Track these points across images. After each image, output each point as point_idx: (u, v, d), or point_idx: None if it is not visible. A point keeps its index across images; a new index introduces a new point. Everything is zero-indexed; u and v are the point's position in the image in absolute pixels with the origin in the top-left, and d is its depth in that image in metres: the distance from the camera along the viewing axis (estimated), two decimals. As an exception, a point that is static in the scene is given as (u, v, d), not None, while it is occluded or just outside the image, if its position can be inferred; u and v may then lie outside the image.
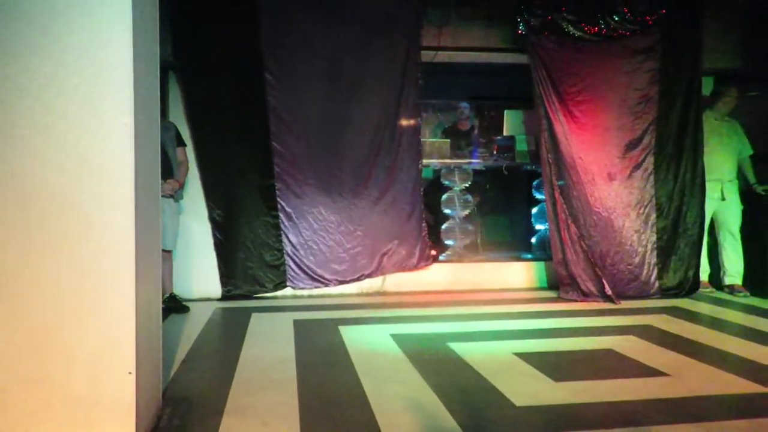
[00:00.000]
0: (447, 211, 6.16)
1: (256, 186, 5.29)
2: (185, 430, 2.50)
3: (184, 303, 4.88)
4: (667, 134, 5.50)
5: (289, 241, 5.34)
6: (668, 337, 4.07)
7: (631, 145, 5.49)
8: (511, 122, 6.43)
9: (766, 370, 3.31)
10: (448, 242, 6.15)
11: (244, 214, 5.30)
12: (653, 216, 5.50)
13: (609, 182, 5.46)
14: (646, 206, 5.49)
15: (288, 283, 5.38)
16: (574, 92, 5.43)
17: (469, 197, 6.21)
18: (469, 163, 6.27)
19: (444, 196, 6.17)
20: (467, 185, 6.18)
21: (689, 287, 5.51)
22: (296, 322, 4.42)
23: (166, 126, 4.77)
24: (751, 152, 5.71)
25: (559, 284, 5.45)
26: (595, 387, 3.04)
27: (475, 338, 3.99)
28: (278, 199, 5.30)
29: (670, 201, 5.51)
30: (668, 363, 3.43)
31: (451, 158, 6.13)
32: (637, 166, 5.49)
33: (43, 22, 2.10)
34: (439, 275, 5.75)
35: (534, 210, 6.40)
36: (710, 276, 5.78)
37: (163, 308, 2.83)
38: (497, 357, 3.56)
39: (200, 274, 5.28)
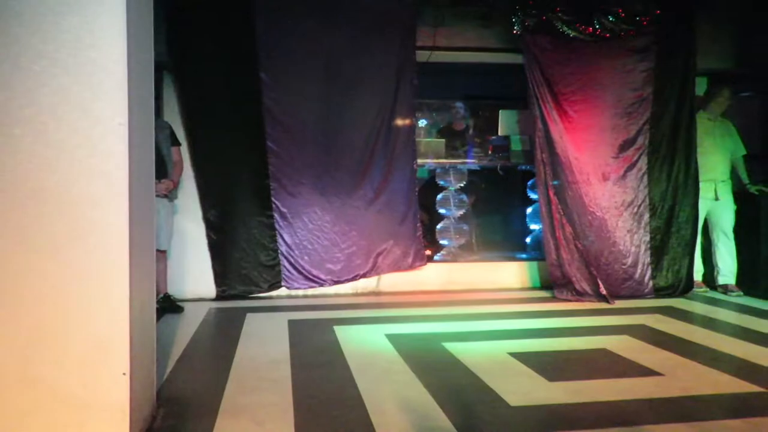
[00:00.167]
0: (442, 210, 6.17)
1: (251, 186, 5.28)
2: (179, 431, 2.50)
3: (178, 303, 4.87)
4: (661, 134, 5.52)
5: (284, 241, 5.33)
6: (662, 336, 4.09)
7: (626, 145, 5.51)
8: (505, 122, 6.43)
9: (759, 370, 3.33)
10: (443, 242, 6.15)
11: (239, 213, 5.28)
12: (646, 216, 5.52)
13: (603, 182, 5.47)
14: (640, 206, 5.51)
15: (283, 283, 5.37)
16: (568, 92, 5.44)
17: (464, 197, 6.22)
18: (464, 163, 6.28)
19: (439, 196, 6.17)
20: (462, 185, 6.19)
21: (683, 287, 5.53)
22: (291, 322, 4.42)
23: (161, 125, 4.75)
24: (744, 152, 5.73)
25: (553, 284, 5.46)
26: (590, 387, 3.05)
27: (469, 338, 3.99)
28: (273, 199, 5.29)
29: (664, 201, 5.53)
30: (662, 363, 3.45)
31: (446, 158, 6.14)
32: (631, 166, 5.51)
33: (34, 21, 2.09)
34: (434, 275, 5.76)
35: (529, 210, 6.41)
36: (704, 276, 5.80)
37: (157, 308, 2.82)
38: (492, 357, 3.56)
39: (194, 274, 5.26)
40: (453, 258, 6.08)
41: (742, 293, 5.50)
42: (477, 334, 4.13)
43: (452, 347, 3.74)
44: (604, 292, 5.17)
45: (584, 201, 5.40)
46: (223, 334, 4.25)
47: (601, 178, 5.47)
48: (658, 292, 5.47)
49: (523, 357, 3.53)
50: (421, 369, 3.30)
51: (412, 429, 2.52)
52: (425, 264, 5.69)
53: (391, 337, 3.98)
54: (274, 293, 5.39)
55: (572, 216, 5.38)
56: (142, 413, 2.40)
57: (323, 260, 5.40)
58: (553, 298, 5.38)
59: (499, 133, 6.46)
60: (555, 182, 5.42)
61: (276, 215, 5.30)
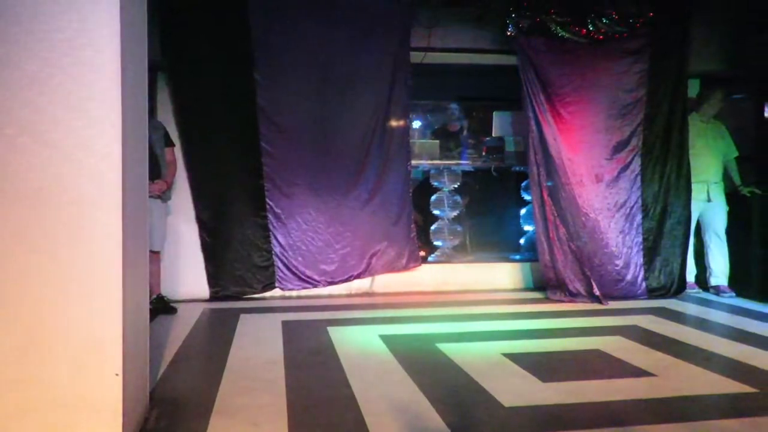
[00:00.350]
0: (436, 212, 6.17)
1: (245, 186, 5.27)
2: (172, 432, 2.49)
3: (171, 304, 4.85)
4: (654, 136, 5.54)
5: (278, 242, 5.32)
6: (655, 337, 4.10)
7: (619, 147, 5.53)
8: (499, 123, 6.45)
9: (751, 370, 3.35)
10: (437, 243, 6.16)
11: (233, 214, 5.27)
12: (639, 217, 5.54)
13: (597, 183, 5.49)
14: (633, 207, 5.53)
15: (277, 284, 5.37)
16: (562, 94, 5.46)
17: (458, 198, 6.23)
18: (459, 164, 6.29)
19: (433, 197, 6.18)
20: (456, 186, 6.20)
21: (675, 288, 5.55)
22: (285, 323, 4.41)
23: (155, 126, 4.74)
24: (736, 154, 5.76)
25: (546, 285, 5.48)
26: (583, 387, 3.06)
27: (463, 339, 4.00)
28: (267, 200, 5.28)
29: (656, 202, 5.55)
30: (655, 363, 3.46)
31: (440, 159, 6.14)
32: (625, 168, 5.53)
33: (28, 20, 2.08)
34: (428, 276, 5.76)
35: (522, 211, 6.42)
36: (696, 277, 5.83)
37: (150, 309, 2.82)
38: (486, 357, 3.57)
39: (188, 275, 5.25)
40: (447, 259, 6.08)
41: (734, 294, 5.53)
42: (471, 334, 4.13)
43: (446, 348, 3.74)
44: (597, 293, 5.18)
45: (578, 202, 5.41)
46: (216, 335, 4.24)
47: (594, 180, 5.49)
48: (651, 293, 5.49)
49: (517, 358, 3.53)
50: (414, 370, 3.30)
51: (405, 429, 2.52)
52: (419, 265, 5.70)
53: (385, 338, 3.98)
54: (267, 294, 5.38)
55: (566, 217, 5.39)
56: (135, 414, 2.39)
57: (317, 261, 5.40)
58: (547, 299, 5.39)
59: (494, 135, 6.47)
60: (549, 183, 5.43)
61: (270, 216, 5.29)
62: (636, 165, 5.54)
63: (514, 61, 5.48)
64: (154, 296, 4.70)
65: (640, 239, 5.53)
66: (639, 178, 5.54)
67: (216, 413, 2.66)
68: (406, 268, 5.63)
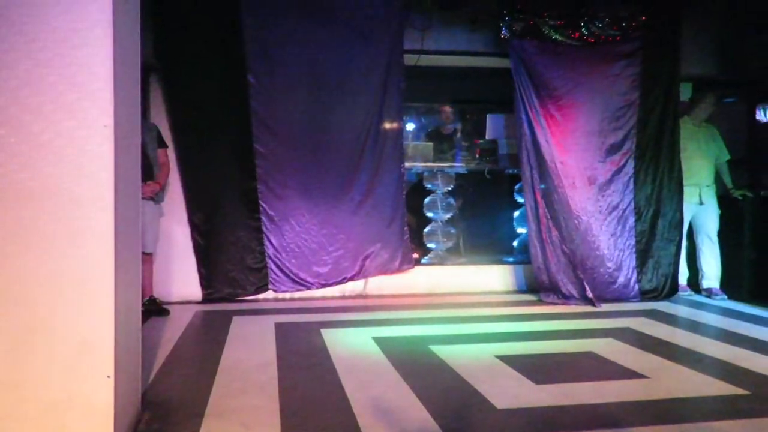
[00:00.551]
0: (429, 214, 6.18)
1: (238, 188, 5.26)
2: (164, 435, 2.48)
3: (164, 306, 4.83)
4: (647, 139, 5.56)
5: (271, 244, 5.31)
6: (647, 339, 4.12)
7: (613, 150, 5.54)
8: (493, 126, 6.46)
9: (743, 372, 3.36)
10: (430, 245, 6.16)
11: (226, 216, 5.26)
12: (632, 220, 5.56)
13: (589, 186, 5.51)
14: (625, 210, 5.55)
15: (270, 286, 5.35)
16: (555, 96, 5.47)
17: (452, 200, 6.24)
18: (452, 166, 6.29)
19: (427, 199, 6.18)
20: (450, 188, 6.20)
21: (668, 290, 5.57)
22: (278, 325, 4.40)
23: (148, 127, 4.73)
24: (728, 157, 5.79)
25: (539, 287, 5.49)
26: (576, 389, 3.06)
27: (456, 341, 4.00)
28: (260, 202, 5.27)
29: (649, 205, 5.57)
30: (647, 365, 3.47)
31: (434, 161, 6.15)
32: (618, 171, 5.54)
33: (19, 20, 2.06)
34: (421, 278, 5.76)
35: (516, 213, 6.43)
36: (689, 279, 5.85)
37: (142, 311, 2.80)
38: (479, 360, 3.57)
39: (180, 277, 5.23)
40: (440, 261, 6.09)
41: (726, 297, 5.55)
42: (464, 337, 4.13)
43: (439, 350, 3.74)
44: (590, 295, 5.20)
45: (570, 205, 5.43)
46: (209, 337, 4.22)
47: (587, 182, 5.50)
48: (644, 295, 5.50)
49: (510, 360, 3.53)
50: (408, 372, 3.30)
51: (399, 432, 2.52)
52: (412, 267, 5.70)
53: (379, 340, 3.98)
54: (260, 296, 5.36)
55: (559, 220, 5.41)
56: (127, 417, 2.38)
57: (310, 263, 5.39)
58: (540, 302, 5.40)
59: (487, 137, 6.49)
60: (542, 186, 5.45)
61: (263, 218, 5.28)
62: (629, 168, 5.55)
63: (507, 64, 5.49)
64: (147, 298, 4.68)
65: (632, 242, 5.55)
66: (632, 180, 5.55)
67: (208, 416, 2.65)
68: (399, 270, 5.63)
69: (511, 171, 6.35)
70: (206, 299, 5.23)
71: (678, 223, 5.58)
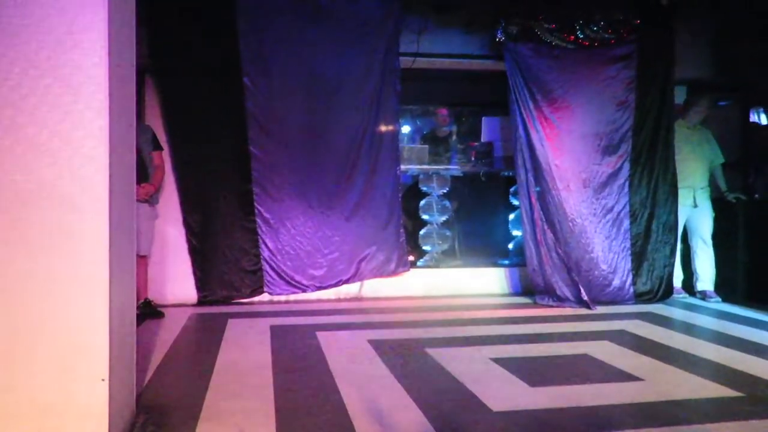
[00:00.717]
0: (425, 216, 6.18)
1: (234, 191, 5.25)
2: (159, 438, 2.47)
3: (158, 308, 4.82)
4: (642, 142, 5.58)
5: (267, 247, 5.30)
6: (642, 341, 4.13)
7: (608, 152, 5.56)
8: (488, 128, 6.47)
9: (737, 375, 3.37)
10: (426, 248, 6.16)
11: (221, 218, 5.25)
12: (627, 222, 5.57)
13: (584, 189, 5.52)
14: (620, 213, 5.56)
15: (265, 289, 5.35)
16: (550, 99, 5.49)
17: (447, 203, 6.24)
18: (448, 168, 6.30)
19: (422, 202, 6.19)
20: (445, 191, 6.21)
21: (662, 293, 5.58)
22: (273, 328, 4.39)
23: (143, 129, 4.72)
24: (722, 160, 5.81)
25: (534, 290, 5.50)
26: (571, 391, 3.06)
27: (452, 344, 4.00)
28: (256, 204, 5.26)
29: (644, 207, 5.59)
30: (642, 367, 3.48)
31: (429, 164, 6.16)
32: (614, 173, 5.56)
33: (14, 22, 2.06)
34: (417, 281, 5.76)
35: (511, 216, 6.44)
36: (683, 282, 5.87)
37: (137, 314, 2.79)
38: (474, 362, 3.57)
39: (175, 280, 5.22)
40: (436, 264, 6.09)
41: (720, 299, 5.57)
42: (459, 339, 4.14)
43: (435, 353, 3.74)
44: (585, 297, 5.21)
45: (565, 207, 5.44)
46: (204, 339, 4.21)
47: (581, 185, 5.51)
48: (639, 297, 5.52)
49: (505, 362, 3.54)
50: (403, 374, 3.29)
51: (394, 434, 2.51)
52: (408, 270, 5.70)
53: (374, 343, 3.97)
54: (256, 299, 5.35)
55: (553, 222, 5.42)
56: (122, 420, 2.37)
57: (306, 266, 5.38)
58: (535, 304, 5.41)
59: (482, 139, 6.50)
60: (537, 188, 5.46)
61: (258, 220, 5.27)
62: (625, 170, 5.57)
63: (502, 67, 5.51)
64: (141, 301, 4.66)
65: (627, 244, 5.56)
66: (627, 183, 5.57)
67: (203, 419, 2.64)
68: (395, 272, 5.63)
69: (506, 173, 6.36)
70: (201, 302, 5.22)
71: (673, 226, 5.60)
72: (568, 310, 5.15)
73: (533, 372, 3.38)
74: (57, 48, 2.09)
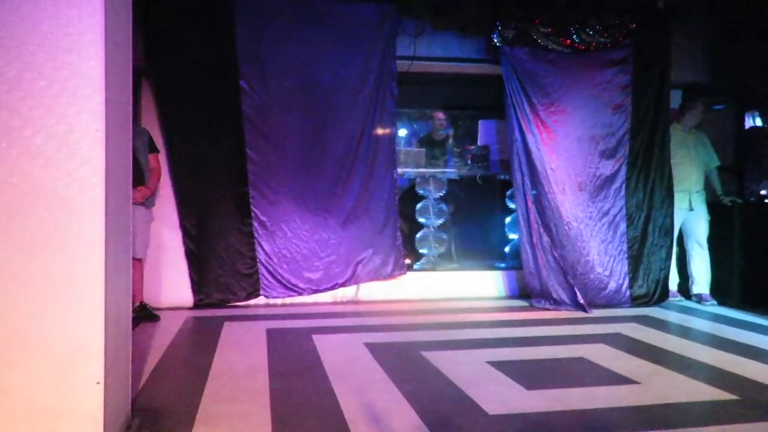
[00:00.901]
0: (422, 219, 6.18)
1: (230, 194, 5.24)
2: (154, 441, 2.46)
3: (154, 312, 4.81)
4: (638, 145, 5.59)
5: (263, 250, 5.29)
6: (638, 345, 4.13)
7: (605, 156, 5.57)
8: (485, 131, 6.47)
9: (732, 378, 3.38)
10: (422, 251, 6.16)
11: (217, 221, 5.24)
12: (623, 226, 5.58)
13: (580, 192, 5.53)
14: (617, 216, 5.57)
15: (261, 292, 5.33)
16: (547, 103, 5.50)
17: (444, 206, 6.24)
18: (444, 172, 6.30)
19: (419, 205, 6.19)
20: (442, 194, 6.21)
21: (658, 296, 5.60)
22: (269, 331, 4.39)
23: (139, 132, 4.71)
24: (718, 164, 5.83)
25: (531, 293, 5.50)
26: (567, 394, 3.07)
27: (448, 347, 4.00)
28: (252, 207, 5.25)
29: (641, 211, 5.60)
30: (637, 370, 3.48)
31: (426, 167, 6.16)
32: (610, 177, 5.57)
33: (10, 25, 2.06)
34: (413, 284, 5.75)
35: (508, 219, 6.45)
36: (679, 285, 5.88)
37: (133, 317, 2.79)
38: (470, 365, 3.57)
39: (171, 283, 5.20)
40: (432, 267, 6.09)
41: (716, 303, 5.58)
42: (455, 342, 4.14)
43: (431, 356, 3.74)
44: (581, 301, 5.21)
45: (561, 211, 5.45)
46: (200, 342, 4.20)
47: (577, 189, 5.52)
48: (635, 301, 5.53)
49: (501, 365, 3.54)
50: (399, 378, 3.29)
51: (390, 438, 2.51)
52: (405, 273, 5.69)
53: (370, 346, 3.97)
54: (252, 302, 5.34)
55: (550, 225, 5.42)
56: (117, 423, 2.36)
57: (302, 269, 5.38)
58: (531, 307, 5.41)
59: (479, 143, 6.51)
60: (533, 192, 5.47)
61: (255, 223, 5.27)
62: (622, 174, 5.58)
63: (499, 71, 5.52)
64: (137, 304, 4.65)
65: (624, 248, 5.57)
66: (624, 187, 5.58)
67: (199, 422, 2.64)
68: (391, 276, 5.62)
69: (502, 177, 6.37)
70: (197, 305, 5.20)
71: (669, 229, 5.62)
72: (564, 314, 5.16)
73: (529, 375, 3.39)
74: (53, 50, 2.09)
